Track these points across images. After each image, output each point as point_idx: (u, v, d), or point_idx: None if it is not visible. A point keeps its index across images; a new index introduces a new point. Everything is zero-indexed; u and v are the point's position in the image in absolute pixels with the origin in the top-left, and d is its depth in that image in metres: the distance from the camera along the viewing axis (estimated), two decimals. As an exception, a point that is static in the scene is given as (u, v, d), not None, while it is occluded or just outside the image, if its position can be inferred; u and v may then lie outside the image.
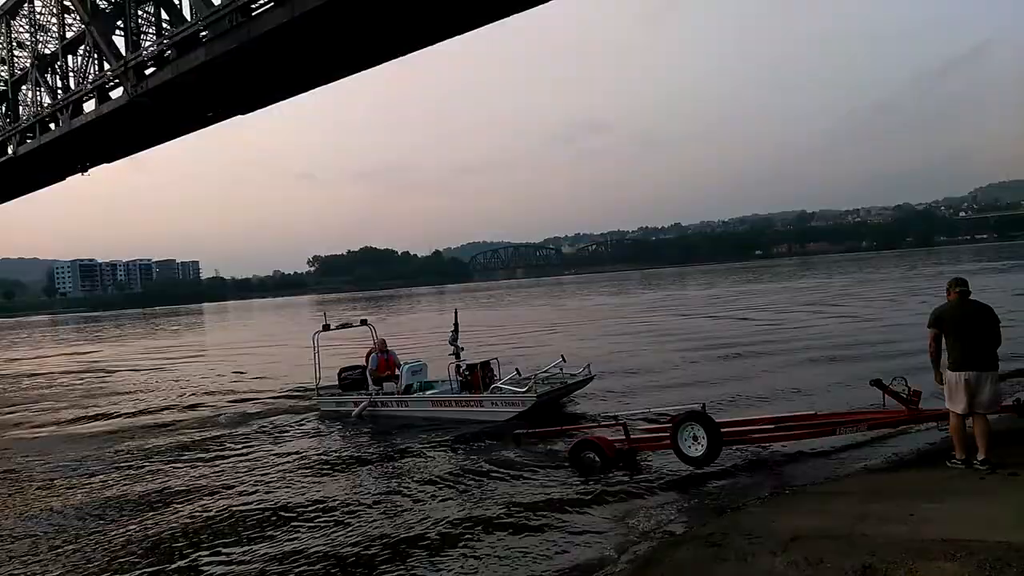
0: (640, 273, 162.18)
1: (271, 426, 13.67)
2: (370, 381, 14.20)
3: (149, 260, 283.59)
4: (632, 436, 8.97)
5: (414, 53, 22.58)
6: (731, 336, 22.82)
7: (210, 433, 13.43)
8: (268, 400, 16.94)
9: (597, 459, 8.76)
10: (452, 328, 13.64)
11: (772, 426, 8.68)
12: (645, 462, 8.76)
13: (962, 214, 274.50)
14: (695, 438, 8.01)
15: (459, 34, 21.20)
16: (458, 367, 13.20)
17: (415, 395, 13.59)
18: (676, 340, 22.94)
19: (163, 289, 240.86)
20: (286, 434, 12.96)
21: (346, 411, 14.06)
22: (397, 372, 14.10)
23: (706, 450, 7.93)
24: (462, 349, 13.55)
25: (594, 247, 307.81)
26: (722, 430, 8.12)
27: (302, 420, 14.14)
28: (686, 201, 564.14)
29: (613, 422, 9.37)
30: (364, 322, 16.08)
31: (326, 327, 15.26)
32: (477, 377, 12.87)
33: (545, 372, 13.36)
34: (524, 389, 12.07)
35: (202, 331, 59.33)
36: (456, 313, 14.03)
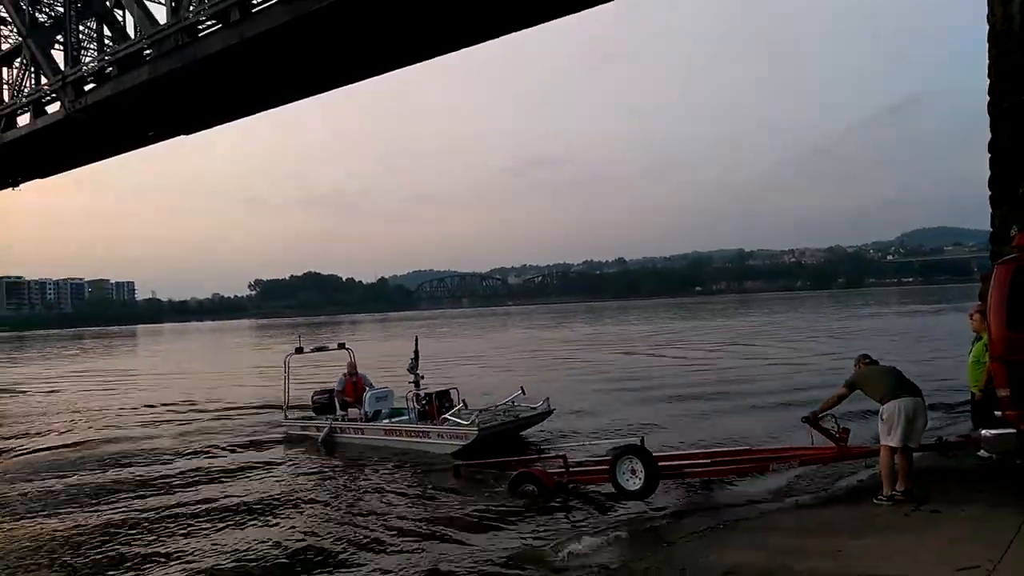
0: (585, 306, 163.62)
1: (232, 446, 13.71)
2: (337, 405, 13.99)
3: (81, 279, 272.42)
4: (571, 468, 8.99)
5: (365, 81, 22.69)
6: (670, 374, 23.11)
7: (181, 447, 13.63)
8: (232, 419, 17.18)
9: (536, 491, 8.75)
10: (412, 356, 13.35)
11: (708, 461, 8.81)
12: (583, 495, 8.77)
13: (890, 257, 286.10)
14: (633, 471, 8.06)
15: (410, 64, 21.35)
16: (417, 396, 12.99)
17: (371, 423, 13.34)
18: (617, 377, 23.09)
19: (95, 310, 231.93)
20: (244, 455, 12.94)
21: (311, 435, 13.89)
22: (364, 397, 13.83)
23: (643, 483, 7.98)
24: (422, 377, 13.31)
25: (540, 279, 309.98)
26: (659, 464, 8.18)
27: (267, 442, 14.14)
28: (630, 237, 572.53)
29: (553, 454, 9.38)
30: (342, 346, 15.77)
31: (299, 350, 15.00)
32: (434, 407, 12.68)
33: (502, 405, 13.12)
34: (468, 422, 11.83)
35: (143, 355, 57.25)
36: (416, 341, 13.73)
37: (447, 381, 14.94)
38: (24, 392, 27.29)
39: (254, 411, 18.08)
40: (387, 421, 13.33)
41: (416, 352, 13.30)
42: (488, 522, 8.07)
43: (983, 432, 6.95)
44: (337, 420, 13.75)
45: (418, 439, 12.35)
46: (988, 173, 10.34)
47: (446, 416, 12.29)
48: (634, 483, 8.03)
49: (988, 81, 10.34)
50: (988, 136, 10.32)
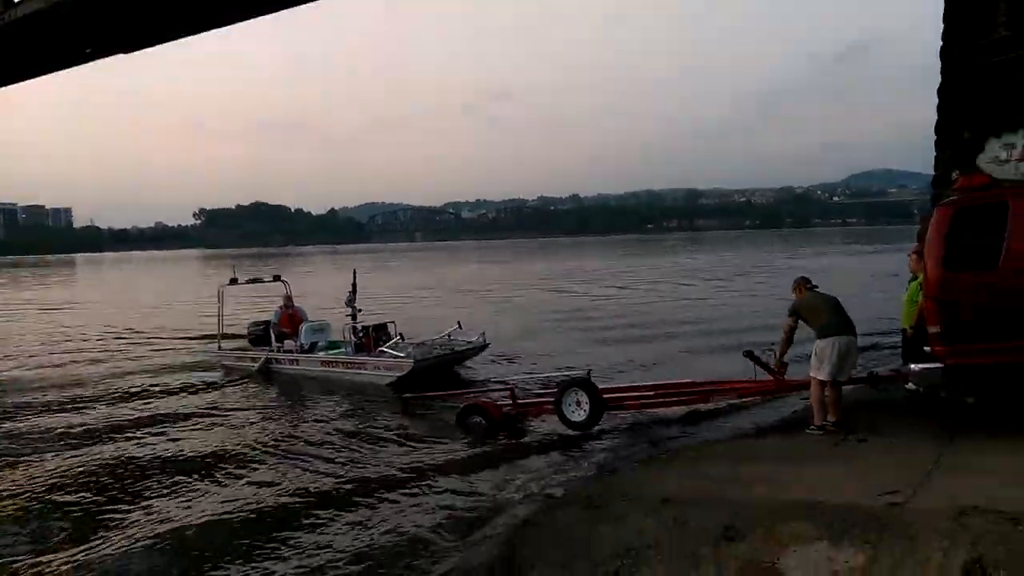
0: (538, 242, 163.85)
1: (165, 380, 13.44)
2: (272, 336, 13.98)
3: (13, 204, 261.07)
4: (519, 400, 9.14)
5: (318, 2, 21.69)
6: (619, 313, 23.43)
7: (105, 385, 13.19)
8: (168, 350, 16.85)
9: (483, 423, 8.89)
10: (350, 289, 13.40)
11: (651, 393, 9.05)
12: (531, 426, 8.95)
13: (836, 199, 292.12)
14: (578, 403, 8.26)
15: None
16: (354, 328, 13.10)
17: (307, 355, 13.43)
18: (566, 315, 23.27)
19: (30, 237, 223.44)
20: (177, 390, 12.70)
21: (245, 367, 13.89)
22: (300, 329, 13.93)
23: (588, 415, 8.19)
24: (359, 311, 13.43)
25: (494, 214, 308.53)
26: (604, 396, 8.39)
27: (200, 374, 13.91)
28: (584, 174, 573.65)
29: (501, 387, 9.52)
30: (278, 278, 15.71)
31: (233, 281, 14.95)
32: (370, 339, 12.85)
33: (439, 338, 13.35)
34: (403, 354, 12.04)
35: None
36: (355, 274, 13.70)
37: (392, 315, 14.95)
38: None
39: (194, 341, 17.85)
40: (323, 353, 13.38)
41: (354, 285, 13.34)
42: (435, 455, 8.18)
43: (911, 366, 7.26)
44: (273, 352, 13.76)
45: (354, 370, 12.52)
46: (934, 118, 10.51)
47: (382, 348, 12.43)
48: (579, 415, 8.23)
49: (943, 26, 10.41)
50: (937, 81, 10.46)
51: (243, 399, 11.93)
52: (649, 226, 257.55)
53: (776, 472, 6.35)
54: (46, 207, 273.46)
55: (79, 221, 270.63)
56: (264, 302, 18.42)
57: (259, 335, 14.40)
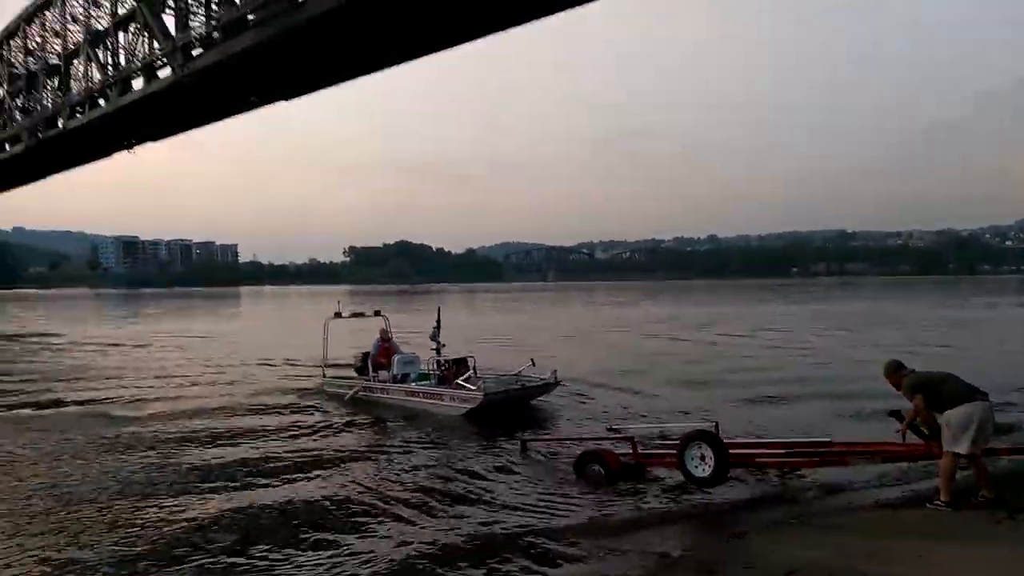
0: (672, 284, 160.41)
1: (277, 402, 14.88)
2: (370, 367, 15.14)
3: (189, 240, 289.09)
4: (639, 451, 8.80)
5: (461, 47, 22.46)
6: (752, 360, 22.27)
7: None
8: (280, 380, 18.36)
9: (601, 471, 8.61)
10: (435, 325, 14.49)
11: (784, 451, 8.40)
12: (650, 479, 8.56)
13: (1008, 243, 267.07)
14: (702, 458, 7.80)
15: (516, 25, 20.79)
16: (437, 362, 14.15)
17: (396, 385, 14.46)
18: (697, 363, 22.36)
19: (202, 270, 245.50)
20: (288, 411, 13.95)
21: (343, 393, 15.08)
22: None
23: (713, 471, 7.71)
24: (443, 345, 14.49)
25: (628, 254, 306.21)
26: (731, 452, 7.89)
27: (307, 398, 15.31)
28: (724, 213, 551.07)
29: (621, 435, 9.22)
30: (378, 313, 16.84)
31: (337, 315, 16.47)
32: (451, 373, 13.70)
33: (512, 375, 14.09)
34: (475, 387, 12.81)
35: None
36: (439, 311, 14.87)
37: (500, 350, 15.21)
38: (117, 346, 29.17)
39: (309, 369, 19.12)
40: (413, 384, 14.31)
41: (438, 321, 14.46)
42: (550, 499, 7.97)
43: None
44: (369, 381, 14.86)
45: (433, 401, 13.44)
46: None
47: (458, 382, 13.19)
48: (703, 470, 7.77)
49: None
50: None
51: (340, 426, 12.61)
52: (794, 269, 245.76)
53: (920, 550, 5.70)
54: (216, 243, 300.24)
55: (243, 256, 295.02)
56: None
57: (361, 365, 15.50)
